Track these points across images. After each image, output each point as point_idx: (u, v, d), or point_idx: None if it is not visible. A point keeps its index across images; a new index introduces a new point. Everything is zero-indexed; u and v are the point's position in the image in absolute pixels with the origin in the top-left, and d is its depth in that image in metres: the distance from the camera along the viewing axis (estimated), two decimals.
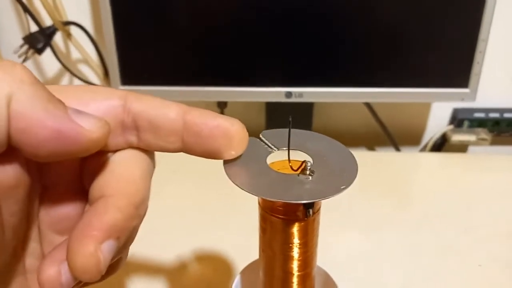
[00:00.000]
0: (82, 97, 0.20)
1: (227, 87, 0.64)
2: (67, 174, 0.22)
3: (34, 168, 0.20)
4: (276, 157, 0.24)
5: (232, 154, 0.21)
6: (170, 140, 0.20)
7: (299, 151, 0.24)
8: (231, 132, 0.20)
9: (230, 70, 0.64)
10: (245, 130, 0.21)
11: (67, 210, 0.22)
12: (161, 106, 0.20)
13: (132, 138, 0.20)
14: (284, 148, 0.24)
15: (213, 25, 0.62)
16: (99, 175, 0.20)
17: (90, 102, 0.20)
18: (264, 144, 0.25)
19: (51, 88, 0.18)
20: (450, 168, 0.67)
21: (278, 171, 0.23)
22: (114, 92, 0.20)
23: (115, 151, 0.21)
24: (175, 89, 0.64)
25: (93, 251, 0.17)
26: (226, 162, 0.23)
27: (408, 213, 0.55)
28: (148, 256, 0.47)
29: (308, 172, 0.22)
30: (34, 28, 0.67)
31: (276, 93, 0.64)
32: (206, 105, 0.78)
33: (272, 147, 0.24)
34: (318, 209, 0.24)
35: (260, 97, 0.65)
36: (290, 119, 0.23)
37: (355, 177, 0.22)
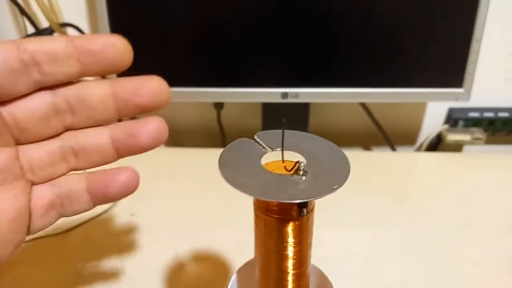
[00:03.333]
0: None
1: (223, 88, 0.64)
2: None
3: None
4: (271, 158, 0.24)
5: (125, 62, 0.25)
6: (69, 63, 0.23)
7: (293, 152, 0.24)
8: (117, 43, 0.24)
9: (227, 71, 0.64)
10: (126, 41, 0.25)
11: None
12: (51, 39, 0.23)
13: (36, 76, 0.23)
14: (278, 149, 0.24)
15: (209, 27, 0.62)
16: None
17: None
18: (258, 145, 0.25)
19: None
20: (445, 167, 0.67)
21: (272, 171, 0.23)
22: (4, 41, 0.22)
23: (24, 95, 0.23)
24: (172, 90, 0.64)
25: None
26: (221, 163, 0.23)
27: (404, 211, 0.55)
28: (144, 256, 0.48)
29: (301, 173, 0.22)
30: (30, 30, 0.67)
31: (272, 93, 0.64)
32: (202, 106, 0.78)
33: (267, 148, 0.25)
34: (312, 209, 0.24)
35: (256, 98, 0.65)
36: (284, 121, 0.23)
37: (348, 176, 0.22)
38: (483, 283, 0.45)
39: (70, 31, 0.71)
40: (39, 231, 0.26)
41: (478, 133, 0.75)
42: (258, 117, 0.74)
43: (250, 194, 0.21)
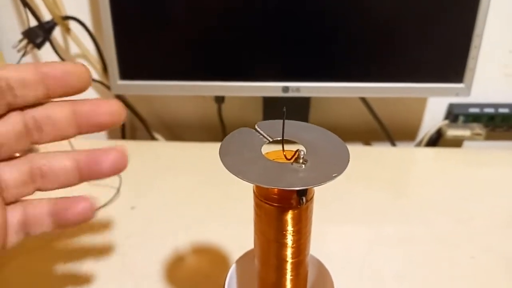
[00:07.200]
0: None
1: (224, 82, 0.64)
2: None
3: None
4: (271, 147, 0.25)
5: (84, 85, 0.28)
6: (38, 89, 0.26)
7: (293, 141, 0.25)
8: (77, 68, 0.27)
9: (228, 65, 0.65)
10: (84, 66, 0.28)
11: None
12: (22, 66, 0.26)
13: (10, 98, 0.26)
14: (279, 138, 0.25)
15: (211, 20, 0.62)
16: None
17: None
18: (259, 134, 0.25)
19: None
20: (445, 162, 0.68)
21: (273, 160, 0.23)
22: None
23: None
24: (173, 83, 0.65)
25: None
26: (222, 152, 0.23)
27: (403, 206, 0.56)
28: (144, 249, 0.48)
29: (301, 161, 0.23)
30: (33, 22, 0.68)
31: (273, 87, 0.64)
32: (203, 100, 0.78)
33: (267, 137, 0.25)
34: (311, 197, 0.25)
35: (258, 92, 0.66)
36: (284, 109, 0.23)
37: (347, 165, 0.22)
38: (481, 277, 0.45)
39: (73, 24, 0.71)
40: (10, 247, 0.28)
41: (478, 128, 0.75)
42: (259, 112, 0.74)
43: (250, 181, 0.21)
